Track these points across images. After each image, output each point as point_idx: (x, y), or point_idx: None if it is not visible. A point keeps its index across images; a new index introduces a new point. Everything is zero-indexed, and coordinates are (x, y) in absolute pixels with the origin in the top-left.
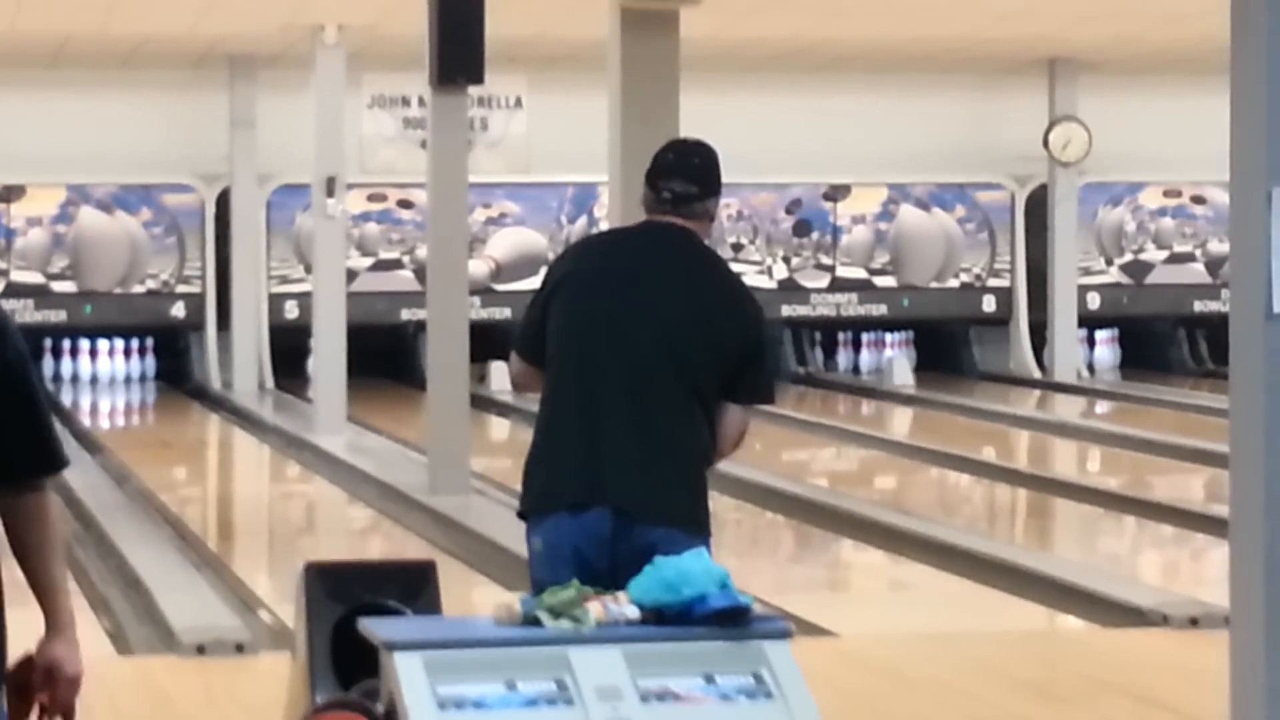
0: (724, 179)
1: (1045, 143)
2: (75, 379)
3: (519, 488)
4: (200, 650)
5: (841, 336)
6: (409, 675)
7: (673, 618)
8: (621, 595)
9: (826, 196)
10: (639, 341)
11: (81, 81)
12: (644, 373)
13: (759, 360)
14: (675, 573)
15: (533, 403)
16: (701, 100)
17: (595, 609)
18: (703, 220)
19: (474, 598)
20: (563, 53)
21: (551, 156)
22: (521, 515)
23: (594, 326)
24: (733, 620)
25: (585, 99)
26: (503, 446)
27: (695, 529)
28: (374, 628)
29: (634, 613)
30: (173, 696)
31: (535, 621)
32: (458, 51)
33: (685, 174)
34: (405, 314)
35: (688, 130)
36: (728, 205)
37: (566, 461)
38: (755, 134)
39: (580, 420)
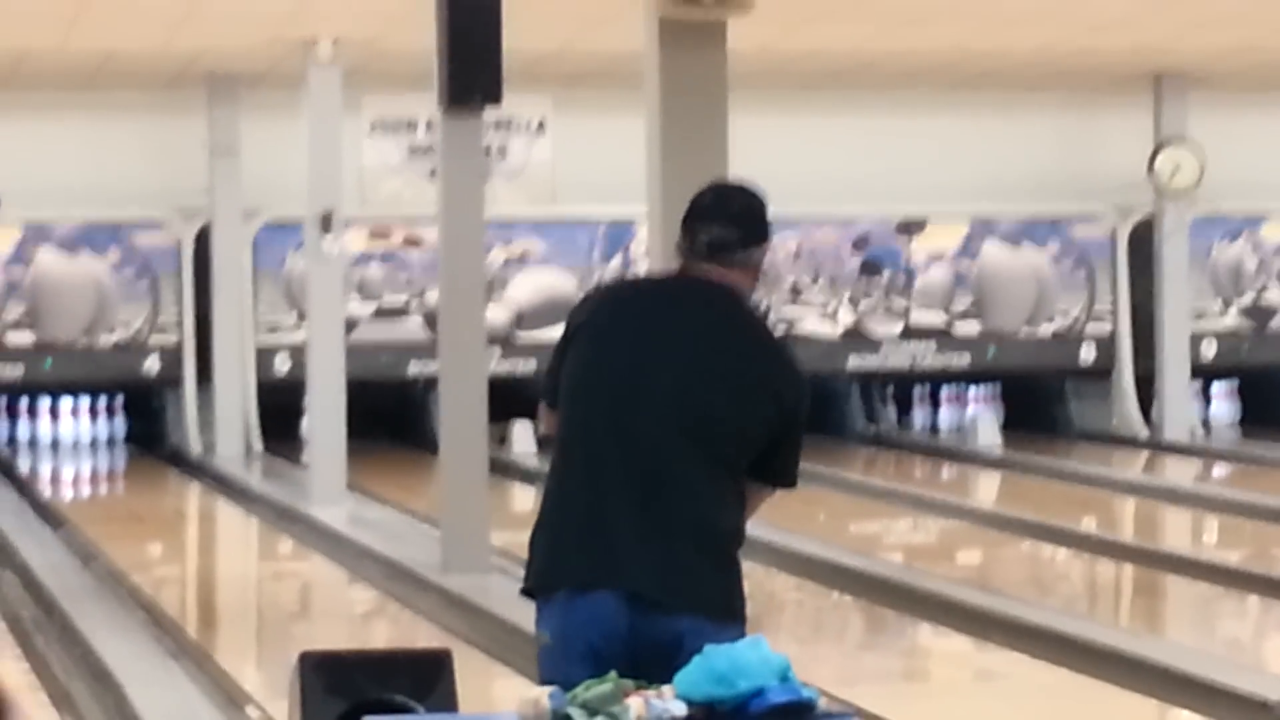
0: (781, 212)
1: (1150, 169)
2: (33, 443)
3: None
4: None
5: (918, 391)
6: None
7: (725, 714)
8: (666, 690)
9: (899, 231)
10: (656, 407)
11: (39, 104)
12: (660, 443)
13: (792, 441)
14: (728, 663)
15: None
16: (753, 122)
17: (636, 705)
18: (745, 272)
19: (494, 691)
20: (592, 68)
21: (580, 187)
22: (526, 593)
23: (606, 387)
24: (795, 717)
25: (619, 121)
26: (526, 518)
27: (727, 616)
28: None
29: (680, 710)
30: None
31: (567, 719)
32: (471, 68)
33: (725, 218)
34: (414, 368)
35: (738, 156)
36: (786, 243)
37: (570, 534)
38: (816, 160)
39: (587, 492)
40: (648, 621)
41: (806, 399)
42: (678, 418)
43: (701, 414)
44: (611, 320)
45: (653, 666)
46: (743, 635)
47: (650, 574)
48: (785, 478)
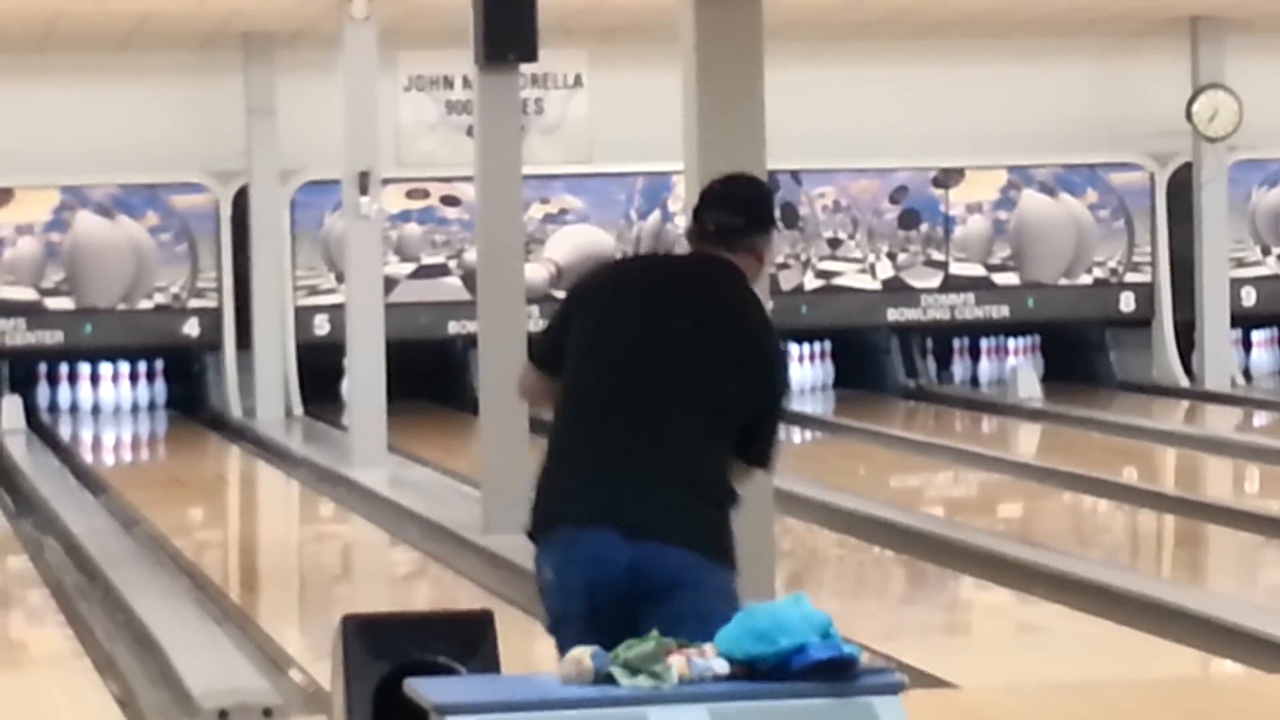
0: (818, 164)
1: (1188, 115)
2: (74, 409)
3: None
4: (222, 716)
5: (957, 343)
6: None
7: (767, 672)
8: (708, 647)
9: (937, 183)
10: (660, 370)
11: (74, 67)
12: (662, 403)
13: (770, 420)
14: (770, 620)
15: None
16: (790, 74)
17: (678, 663)
18: (749, 255)
19: (536, 651)
20: (628, 23)
21: (617, 143)
22: (530, 536)
23: (615, 349)
24: (837, 673)
25: (655, 76)
26: None
27: (721, 555)
28: (423, 689)
29: (722, 666)
30: None
31: (609, 679)
32: (507, 24)
33: (732, 205)
34: (453, 327)
35: (774, 108)
36: (823, 194)
37: (574, 480)
38: (853, 112)
39: (592, 444)
40: (645, 556)
41: (787, 384)
42: (680, 381)
43: (701, 379)
44: (621, 290)
45: (648, 605)
46: (733, 580)
47: (649, 512)
48: (761, 457)
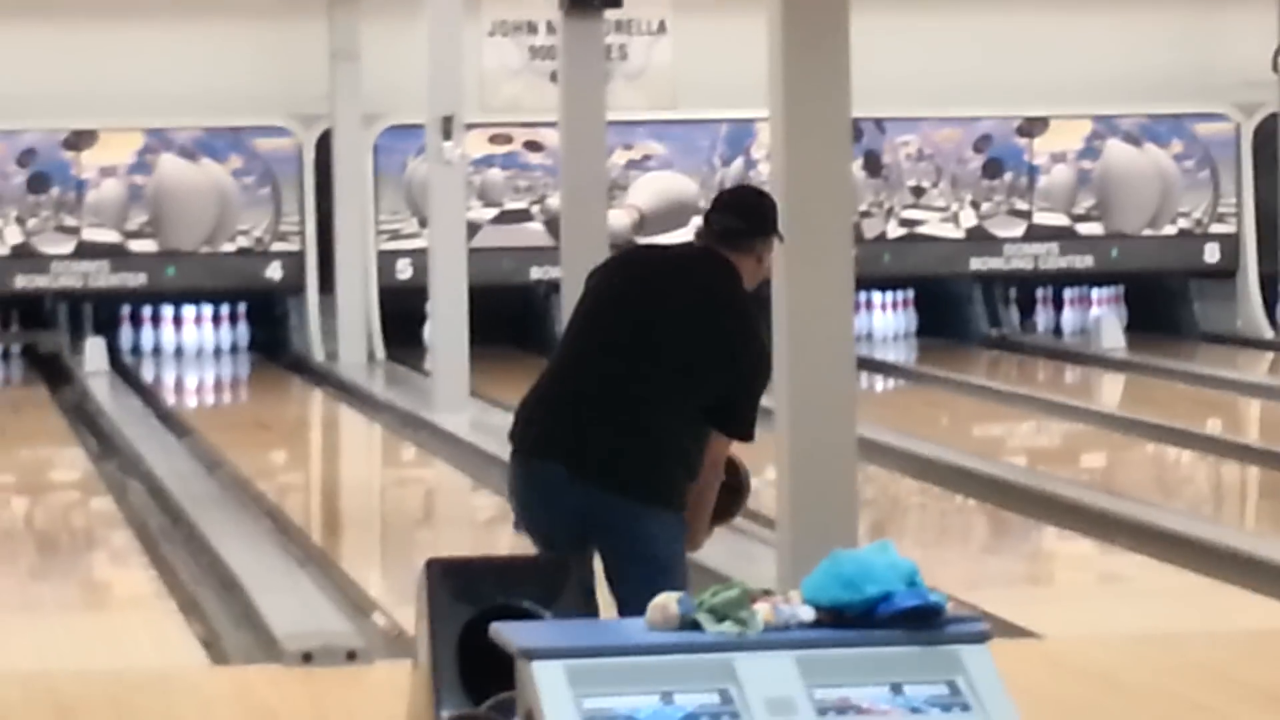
0: (902, 113)
1: (1275, 65)
2: (157, 351)
3: None
4: (307, 659)
5: (1040, 293)
6: (550, 687)
7: (853, 619)
8: (794, 594)
9: (1021, 132)
10: (640, 340)
11: (160, 9)
12: (636, 368)
13: (746, 398)
14: (855, 568)
15: None
16: (875, 21)
17: (763, 610)
18: (748, 258)
19: None
20: None
21: (701, 89)
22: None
23: (604, 315)
24: (923, 621)
25: (739, 22)
26: None
27: (660, 503)
28: (508, 633)
29: (808, 614)
30: (276, 711)
31: (694, 625)
32: None
33: (736, 211)
34: (535, 272)
35: (859, 56)
36: (907, 143)
37: (544, 415)
38: (937, 60)
39: (566, 389)
40: (586, 500)
41: (762, 368)
42: (653, 350)
43: (673, 352)
44: (625, 268)
45: (595, 538)
46: (673, 522)
47: (595, 458)
48: (740, 430)
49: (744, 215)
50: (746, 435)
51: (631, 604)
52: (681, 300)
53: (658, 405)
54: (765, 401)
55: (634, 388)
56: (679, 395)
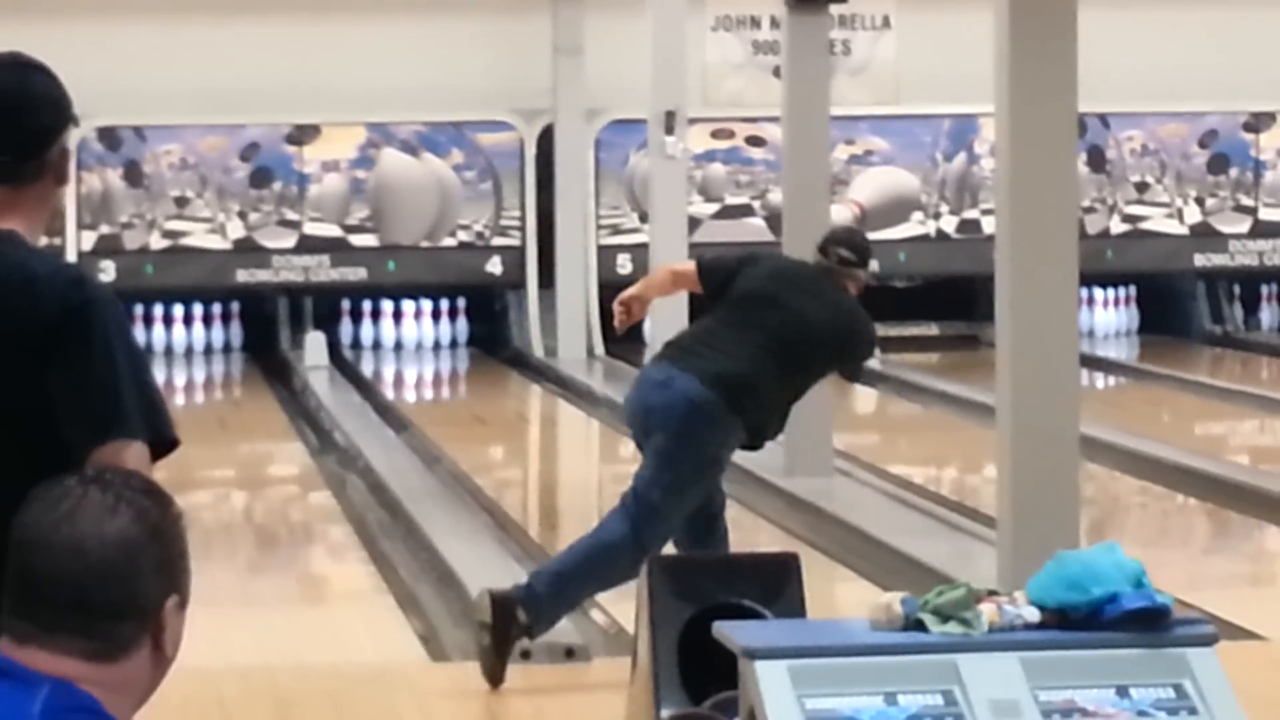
0: (1127, 107)
1: None
2: (377, 345)
3: (888, 468)
4: (525, 656)
5: (1265, 289)
6: (772, 687)
7: (1079, 620)
8: (1019, 595)
9: (1247, 127)
10: (767, 316)
11: (382, 4)
12: (756, 333)
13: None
14: (1082, 569)
15: (903, 370)
16: (1101, 15)
17: (988, 610)
18: (854, 281)
19: (838, 594)
20: None
21: (924, 84)
22: None
23: (752, 294)
24: (1150, 623)
25: (963, 17)
26: (869, 421)
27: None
28: (731, 632)
29: (1033, 614)
30: (493, 708)
31: (918, 625)
32: None
33: (849, 247)
34: None
35: (1085, 50)
36: (1131, 138)
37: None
38: (1163, 54)
39: (703, 330)
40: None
41: (861, 348)
42: (776, 326)
43: (789, 332)
44: (775, 263)
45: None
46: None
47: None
48: (851, 375)
49: (855, 251)
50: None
51: None
52: (810, 304)
53: (763, 368)
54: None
55: (751, 349)
56: (785, 365)
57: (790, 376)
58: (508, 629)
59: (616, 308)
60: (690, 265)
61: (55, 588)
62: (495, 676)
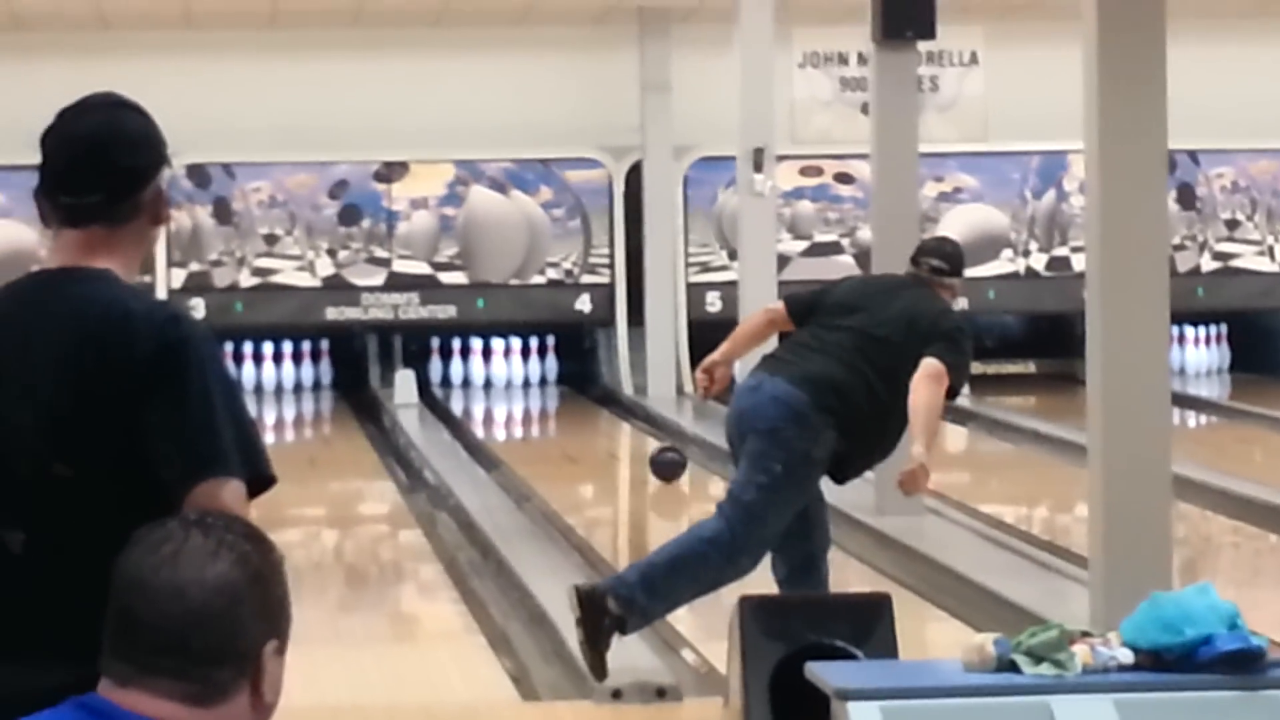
0: (1217, 144)
1: None
2: (466, 383)
3: (979, 507)
4: (616, 695)
5: None
6: None
7: (1173, 662)
8: (1113, 636)
9: None
10: (855, 327)
11: (470, 42)
12: (844, 341)
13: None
14: (1176, 610)
15: (997, 409)
16: (1191, 52)
17: (1081, 652)
18: (947, 289)
19: (929, 634)
20: (1026, 1)
21: (1012, 121)
22: None
23: (839, 307)
24: (1244, 665)
25: (1051, 53)
26: (959, 459)
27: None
28: (823, 673)
29: (1127, 656)
30: None
31: (1011, 666)
32: (906, 1)
33: (941, 256)
34: None
35: (1173, 87)
36: (1221, 175)
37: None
38: (1254, 90)
39: (795, 344)
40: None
41: (945, 336)
42: (864, 337)
43: (877, 338)
44: (856, 282)
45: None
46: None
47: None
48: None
49: (948, 261)
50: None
51: None
52: (894, 313)
53: (855, 374)
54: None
55: (840, 357)
56: (877, 371)
57: (881, 376)
58: (599, 619)
59: (699, 376)
60: (779, 304)
61: (155, 631)
62: (596, 669)
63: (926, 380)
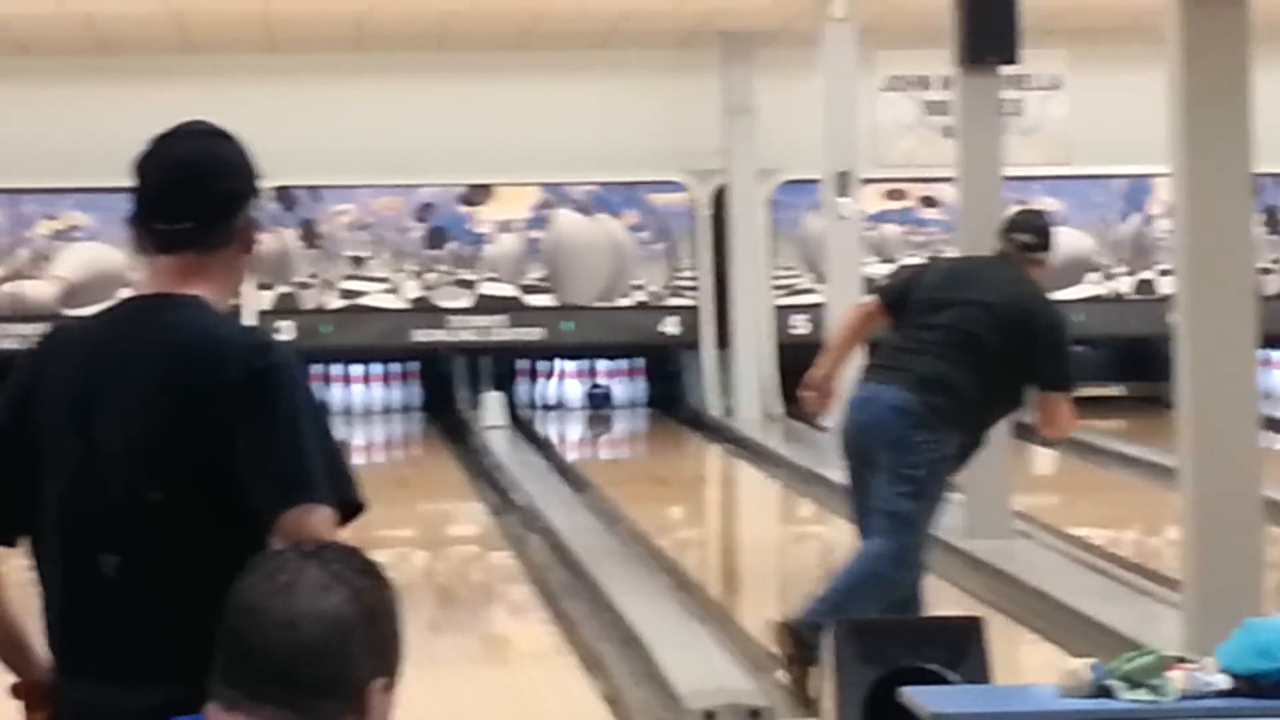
0: None
1: None
2: (558, 406)
3: (1068, 529)
4: (709, 717)
5: None
6: None
7: (1269, 688)
8: (1209, 661)
9: None
10: (947, 319)
11: (554, 65)
12: (939, 336)
13: (1046, 363)
14: (1272, 635)
15: (1087, 432)
16: (1276, 74)
17: (1178, 678)
18: (1041, 266)
19: (1021, 658)
20: (1110, 23)
21: (1097, 145)
22: None
23: (931, 301)
24: None
25: (1135, 77)
26: (1048, 481)
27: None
28: (918, 697)
29: (1224, 682)
30: None
31: (1107, 692)
32: (989, 24)
33: (1032, 230)
34: None
35: (1261, 111)
36: None
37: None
38: None
39: (892, 346)
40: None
41: (1053, 327)
42: (955, 327)
43: (972, 330)
44: (948, 266)
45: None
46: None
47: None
48: (1053, 384)
49: (1039, 234)
50: (1067, 385)
51: None
52: (989, 299)
53: (951, 365)
54: (1168, 459)
55: (937, 352)
56: (973, 360)
57: (985, 368)
58: (810, 655)
59: (805, 395)
60: (871, 298)
61: (264, 659)
62: (803, 700)
63: (1054, 413)
